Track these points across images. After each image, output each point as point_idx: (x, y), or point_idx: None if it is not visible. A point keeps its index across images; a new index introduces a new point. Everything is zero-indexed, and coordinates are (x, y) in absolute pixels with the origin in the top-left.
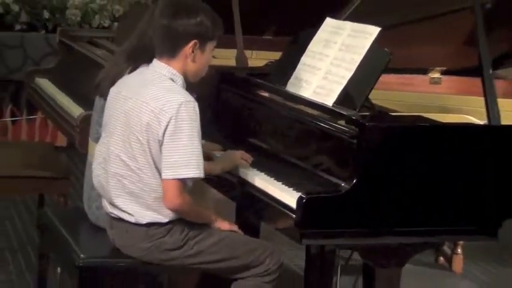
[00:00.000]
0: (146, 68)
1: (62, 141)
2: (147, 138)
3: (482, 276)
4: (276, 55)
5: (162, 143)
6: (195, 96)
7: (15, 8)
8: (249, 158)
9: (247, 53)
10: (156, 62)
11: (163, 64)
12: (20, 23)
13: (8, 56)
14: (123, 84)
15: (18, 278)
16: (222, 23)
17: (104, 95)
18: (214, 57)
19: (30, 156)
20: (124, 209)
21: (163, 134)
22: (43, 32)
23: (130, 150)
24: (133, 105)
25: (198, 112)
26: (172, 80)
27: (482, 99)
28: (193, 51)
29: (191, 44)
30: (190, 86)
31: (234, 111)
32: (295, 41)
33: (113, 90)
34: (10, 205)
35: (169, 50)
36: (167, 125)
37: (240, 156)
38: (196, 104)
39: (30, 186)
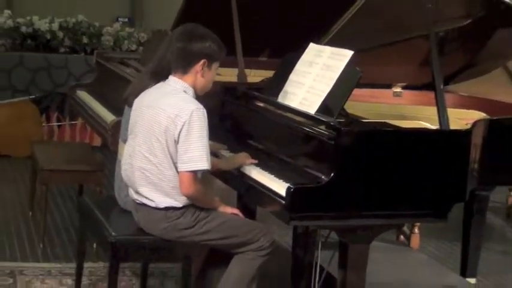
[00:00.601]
0: (163, 83)
1: (97, 141)
2: (165, 138)
3: (435, 251)
4: (269, 73)
5: (178, 142)
6: (204, 104)
7: (60, 34)
8: (252, 161)
9: (247, 71)
10: (171, 78)
11: (178, 79)
12: (64, 46)
13: (54, 74)
14: (145, 96)
15: (62, 252)
16: (227, 47)
17: (131, 105)
18: (219, 74)
19: (72, 153)
20: (146, 196)
21: (179, 135)
22: (83, 54)
23: (151, 148)
24: (154, 112)
25: (206, 117)
26: (185, 92)
27: (434, 108)
28: (202, 69)
29: (201, 62)
30: (201, 98)
31: (235, 117)
32: (285, 61)
33: (137, 101)
34: (56, 193)
35: (183, 67)
36: (182, 128)
37: (244, 160)
38: (205, 110)
39: (72, 178)
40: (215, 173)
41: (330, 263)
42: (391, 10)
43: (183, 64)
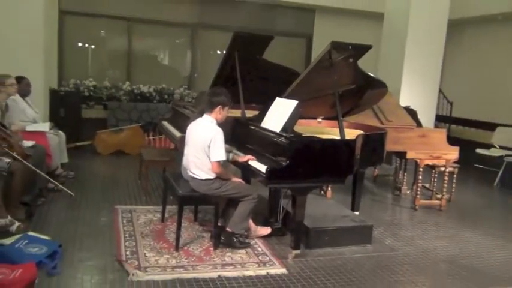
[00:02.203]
0: (201, 117)
1: (172, 146)
2: (203, 145)
3: (339, 199)
4: (256, 112)
5: (210, 147)
6: (223, 128)
7: (154, 94)
8: (253, 158)
9: (246, 111)
10: (205, 115)
11: (208, 116)
12: (155, 99)
13: (151, 113)
14: (193, 124)
15: (156, 200)
16: (235, 99)
17: None
18: (231, 113)
19: (160, 152)
20: (195, 173)
21: (210, 143)
22: (165, 103)
23: (197, 150)
24: (197, 132)
25: (223, 134)
26: (211, 122)
27: (338, 129)
28: (219, 110)
29: (218, 107)
30: (221, 125)
31: (240, 133)
32: (264, 107)
33: (189, 126)
34: (153, 172)
35: (209, 109)
36: (211, 140)
37: (249, 157)
38: (222, 131)
39: (160, 164)
40: (231, 161)
41: (287, 205)
42: (316, 81)
43: (209, 108)
